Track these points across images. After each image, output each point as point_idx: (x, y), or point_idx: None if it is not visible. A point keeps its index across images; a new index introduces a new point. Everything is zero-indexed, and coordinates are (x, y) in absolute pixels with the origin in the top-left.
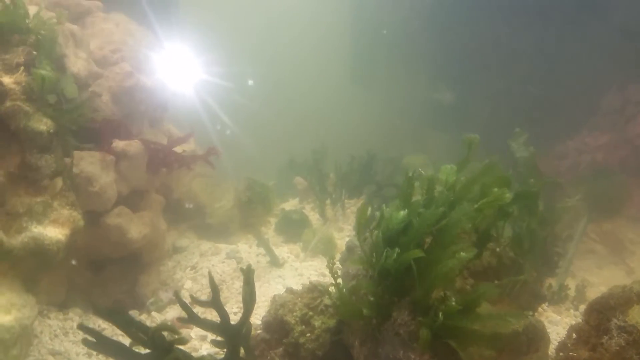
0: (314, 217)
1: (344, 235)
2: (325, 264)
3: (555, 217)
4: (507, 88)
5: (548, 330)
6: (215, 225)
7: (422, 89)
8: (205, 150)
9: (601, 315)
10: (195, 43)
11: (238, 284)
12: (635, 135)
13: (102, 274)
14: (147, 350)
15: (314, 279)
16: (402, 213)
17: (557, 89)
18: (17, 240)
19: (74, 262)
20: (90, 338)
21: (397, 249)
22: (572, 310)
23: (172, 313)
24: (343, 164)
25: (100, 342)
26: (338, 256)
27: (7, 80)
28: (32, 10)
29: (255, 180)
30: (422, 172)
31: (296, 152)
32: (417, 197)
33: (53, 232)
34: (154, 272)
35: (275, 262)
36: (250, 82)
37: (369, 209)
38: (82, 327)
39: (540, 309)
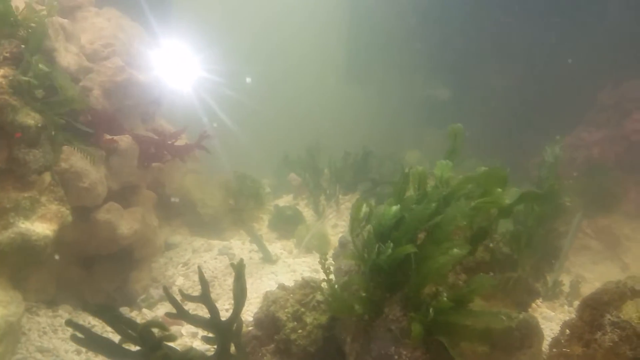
0: (308, 213)
1: (337, 231)
2: (319, 260)
3: (554, 214)
4: (503, 84)
5: (542, 326)
6: (207, 221)
7: (419, 86)
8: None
9: (594, 311)
10: (191, 41)
11: (230, 281)
12: (631, 131)
13: (92, 270)
14: (137, 348)
15: (307, 275)
16: (395, 208)
17: (554, 84)
18: (3, 236)
19: (57, 257)
20: (78, 334)
21: (390, 244)
22: (566, 306)
23: (163, 310)
24: (338, 160)
25: (88, 339)
26: (331, 252)
27: None
28: (21, 3)
29: (245, 174)
30: (417, 167)
31: (292, 149)
32: (410, 193)
33: (40, 228)
34: (146, 268)
35: (268, 259)
36: (248, 80)
37: (365, 204)
38: (70, 323)
39: (534, 305)
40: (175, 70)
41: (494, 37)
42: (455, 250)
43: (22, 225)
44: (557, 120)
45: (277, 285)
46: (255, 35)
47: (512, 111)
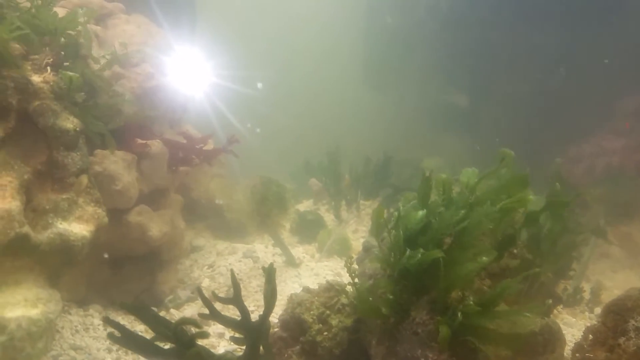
0: (328, 218)
1: (358, 236)
2: (341, 264)
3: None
4: (521, 91)
5: (563, 332)
6: (232, 224)
7: (436, 92)
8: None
9: (618, 317)
10: (209, 47)
11: (255, 283)
12: None
13: (121, 271)
14: (169, 345)
15: (330, 278)
16: (421, 213)
17: (573, 91)
18: (43, 236)
19: (106, 255)
20: (115, 332)
21: (420, 250)
22: (586, 313)
23: (190, 310)
24: (358, 165)
25: (124, 337)
26: (354, 256)
27: (37, 79)
28: (59, 10)
29: (271, 179)
30: (441, 175)
31: (310, 155)
32: (434, 198)
33: (78, 229)
34: (172, 270)
35: (291, 262)
36: (260, 85)
37: (385, 210)
38: (107, 320)
39: (555, 311)
40: (196, 76)
41: (512, 43)
42: (484, 258)
43: (61, 226)
44: (575, 127)
45: (301, 288)
46: (272, 40)
47: (529, 117)
